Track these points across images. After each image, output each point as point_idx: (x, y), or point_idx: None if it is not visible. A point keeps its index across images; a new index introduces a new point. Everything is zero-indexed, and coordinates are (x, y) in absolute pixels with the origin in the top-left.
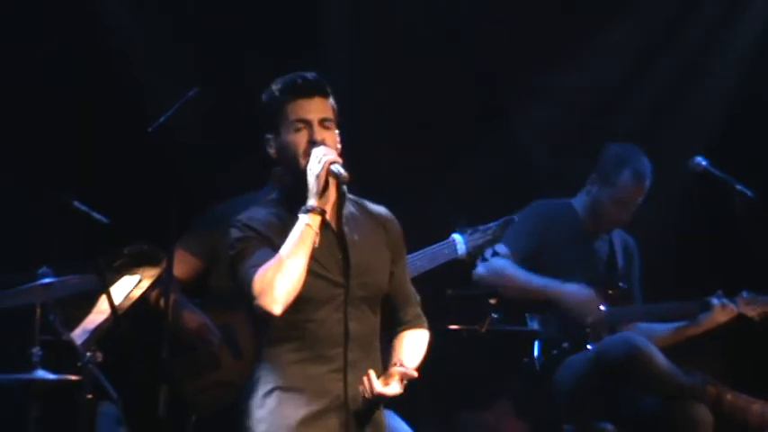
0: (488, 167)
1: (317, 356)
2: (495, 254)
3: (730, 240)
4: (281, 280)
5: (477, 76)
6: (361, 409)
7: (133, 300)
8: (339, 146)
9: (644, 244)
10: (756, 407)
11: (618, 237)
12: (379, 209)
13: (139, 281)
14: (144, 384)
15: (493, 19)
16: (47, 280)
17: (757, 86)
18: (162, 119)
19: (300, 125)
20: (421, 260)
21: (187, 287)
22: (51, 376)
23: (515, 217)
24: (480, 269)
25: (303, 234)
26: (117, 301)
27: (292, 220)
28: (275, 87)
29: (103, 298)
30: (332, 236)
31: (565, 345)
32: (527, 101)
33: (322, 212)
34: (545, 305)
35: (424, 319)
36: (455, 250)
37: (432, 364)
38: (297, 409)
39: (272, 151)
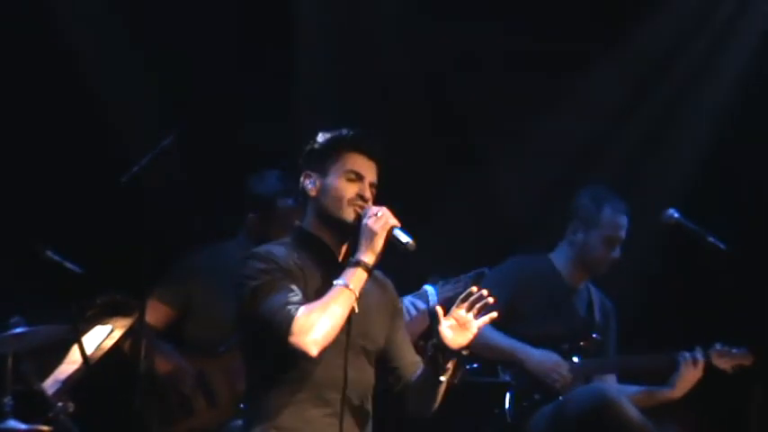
0: (464, 216)
1: (314, 399)
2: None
3: (703, 292)
4: (325, 323)
5: (452, 122)
6: None
7: (105, 350)
8: None
9: (617, 296)
10: None
11: (597, 295)
12: (383, 278)
13: (111, 331)
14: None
15: (473, 65)
16: (19, 330)
17: (731, 137)
18: (135, 168)
19: (354, 176)
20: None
21: (162, 335)
22: (23, 426)
23: (487, 269)
24: None
25: (352, 286)
26: (89, 351)
27: (312, 264)
28: (340, 135)
29: (75, 348)
30: (337, 267)
31: (536, 396)
32: (504, 150)
33: (370, 270)
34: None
35: None
36: (427, 302)
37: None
38: None
39: (310, 188)
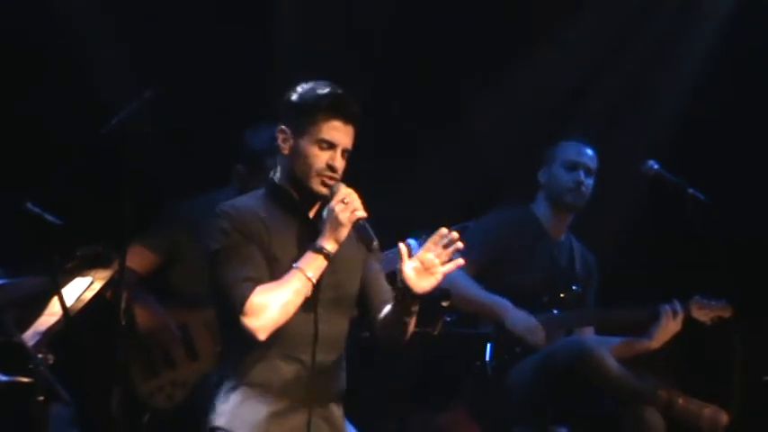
0: (445, 170)
1: (284, 355)
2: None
3: (682, 244)
4: (276, 309)
5: (433, 76)
6: (325, 409)
7: (85, 301)
8: None
9: (596, 249)
10: (708, 411)
11: (578, 248)
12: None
13: (91, 283)
14: (97, 385)
15: (449, 18)
16: None
17: (713, 90)
18: (115, 120)
19: (326, 145)
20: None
21: (146, 280)
22: (2, 378)
23: (471, 223)
24: None
25: (310, 274)
26: (69, 303)
27: (281, 218)
28: (318, 92)
29: (55, 300)
30: (310, 233)
31: (517, 349)
32: (485, 103)
33: (331, 258)
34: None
35: None
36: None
37: (383, 367)
38: (261, 406)
39: (283, 145)
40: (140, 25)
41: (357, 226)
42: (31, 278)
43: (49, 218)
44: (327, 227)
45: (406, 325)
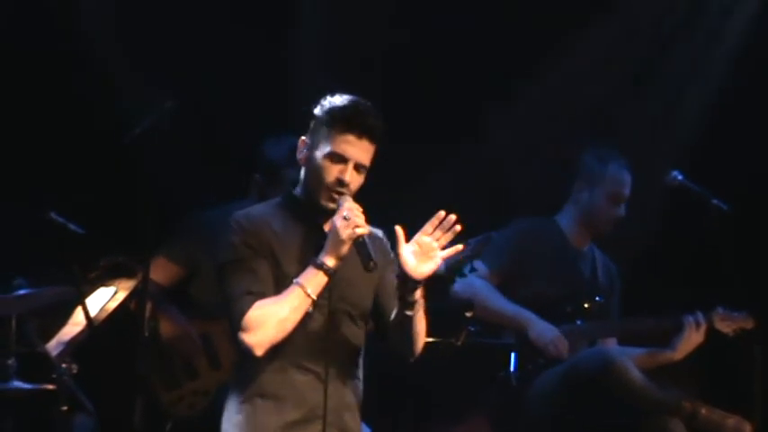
0: (464, 183)
1: (297, 366)
2: (473, 270)
3: (706, 255)
4: (273, 326)
5: (453, 87)
6: (339, 420)
7: (109, 311)
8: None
9: (618, 259)
10: (731, 421)
11: (601, 258)
12: (376, 232)
13: (115, 292)
14: (120, 395)
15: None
16: (22, 291)
17: (735, 99)
18: (137, 130)
19: (336, 158)
20: None
21: (167, 294)
22: (26, 386)
23: (494, 234)
24: (457, 286)
25: (309, 290)
26: (92, 313)
27: (294, 230)
28: (334, 106)
29: (79, 310)
30: (322, 240)
31: (540, 360)
32: (505, 113)
33: (332, 274)
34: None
35: None
36: None
37: (407, 377)
38: (274, 417)
39: (300, 156)
40: (162, 35)
41: (357, 243)
42: (53, 288)
43: (73, 227)
44: (329, 242)
45: (410, 322)
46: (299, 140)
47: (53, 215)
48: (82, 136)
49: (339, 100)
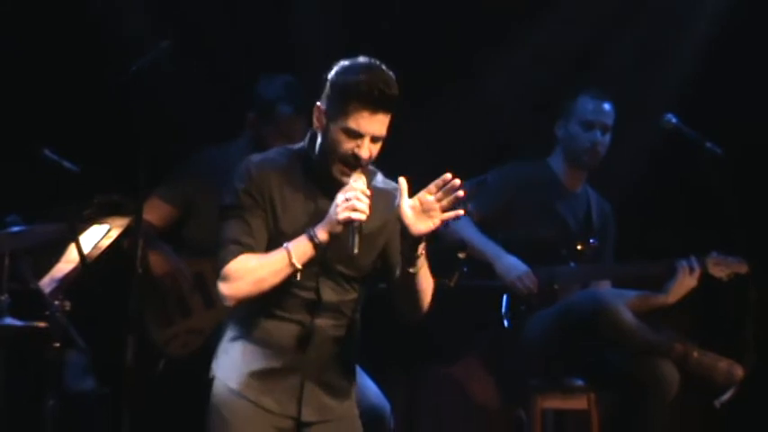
0: (463, 123)
1: (286, 317)
2: (468, 213)
3: (700, 199)
4: (250, 283)
5: (446, 32)
6: (322, 374)
7: (102, 249)
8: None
9: (612, 204)
10: (723, 365)
11: (595, 199)
12: (388, 186)
13: (108, 230)
14: (112, 333)
15: None
16: (15, 228)
17: (731, 45)
18: (132, 69)
19: (352, 134)
20: None
21: (162, 233)
22: (18, 323)
23: (488, 177)
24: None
25: (295, 259)
26: (86, 251)
27: (303, 190)
28: (352, 78)
29: (72, 247)
30: (326, 206)
31: (533, 300)
32: (498, 56)
33: (322, 248)
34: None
35: None
36: None
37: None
38: (258, 362)
39: (317, 123)
40: None
41: (349, 227)
42: (47, 225)
43: (67, 165)
44: (327, 217)
45: (413, 279)
46: (315, 106)
47: (47, 152)
48: (77, 73)
49: (354, 70)
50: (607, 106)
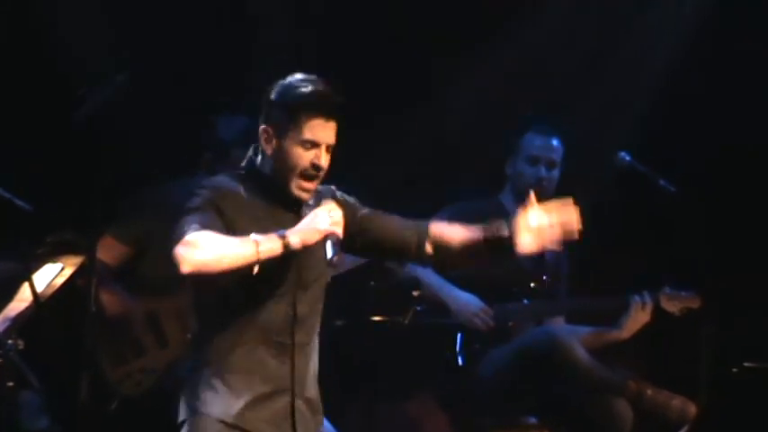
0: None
1: (265, 340)
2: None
3: (652, 235)
4: (209, 256)
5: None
6: (305, 391)
7: (55, 288)
8: None
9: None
10: (676, 402)
11: None
12: (326, 191)
13: (62, 269)
14: (66, 372)
15: None
16: None
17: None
18: (86, 105)
19: (309, 145)
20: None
21: (116, 272)
22: None
23: (439, 215)
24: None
25: (261, 249)
26: (39, 289)
27: (261, 206)
28: (298, 91)
29: (25, 285)
30: (292, 218)
31: (487, 338)
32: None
33: (290, 251)
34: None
35: None
36: None
37: (354, 356)
38: (245, 392)
39: (266, 146)
40: (114, 7)
41: (329, 240)
42: (0, 263)
43: (19, 203)
44: (303, 225)
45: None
46: (261, 130)
47: None
48: (29, 109)
49: (299, 85)
50: (555, 142)
